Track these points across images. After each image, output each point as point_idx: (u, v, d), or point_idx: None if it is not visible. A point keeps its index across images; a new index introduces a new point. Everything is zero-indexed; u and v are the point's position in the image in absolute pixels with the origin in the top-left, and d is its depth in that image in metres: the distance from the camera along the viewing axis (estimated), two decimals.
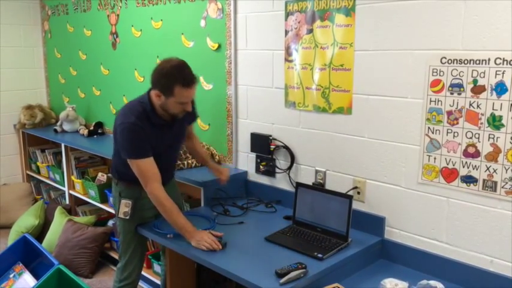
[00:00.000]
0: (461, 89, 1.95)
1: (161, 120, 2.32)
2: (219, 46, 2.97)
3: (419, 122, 2.10)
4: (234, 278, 1.97)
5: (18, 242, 3.26)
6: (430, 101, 2.05)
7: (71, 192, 4.09)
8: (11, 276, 3.09)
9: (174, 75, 2.17)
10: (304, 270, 1.91)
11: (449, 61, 1.97)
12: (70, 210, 4.06)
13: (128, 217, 2.43)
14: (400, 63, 2.13)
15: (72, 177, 4.04)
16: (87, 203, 3.99)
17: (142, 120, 2.25)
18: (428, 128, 2.07)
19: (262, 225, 2.47)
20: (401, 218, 2.23)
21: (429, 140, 2.08)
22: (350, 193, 2.34)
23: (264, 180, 2.87)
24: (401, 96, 2.15)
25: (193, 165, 3.02)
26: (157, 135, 2.30)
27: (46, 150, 4.53)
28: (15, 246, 3.25)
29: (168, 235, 2.31)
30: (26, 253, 3.21)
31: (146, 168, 2.26)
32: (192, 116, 2.56)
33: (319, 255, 2.06)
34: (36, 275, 3.04)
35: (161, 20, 3.39)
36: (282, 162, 2.75)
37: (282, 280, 1.85)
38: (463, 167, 1.99)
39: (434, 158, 2.08)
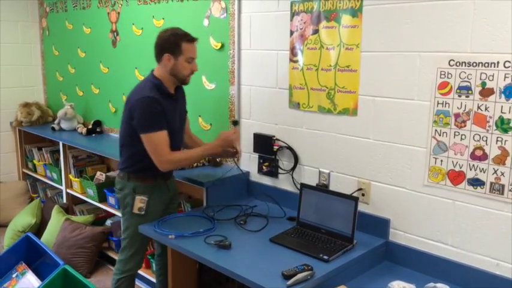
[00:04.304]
0: (470, 92, 1.95)
1: (169, 90, 2.46)
2: (222, 45, 2.95)
3: (426, 124, 2.09)
4: (240, 280, 1.95)
5: (21, 242, 3.23)
6: (438, 103, 2.05)
7: (68, 191, 4.05)
8: (14, 276, 3.05)
9: (179, 34, 2.40)
10: (311, 271, 1.89)
11: (458, 63, 1.96)
12: (67, 209, 4.03)
13: (143, 212, 2.51)
14: (407, 65, 2.12)
15: (70, 176, 4.00)
16: (85, 202, 3.95)
17: (156, 93, 2.39)
18: (435, 130, 2.07)
19: (266, 226, 2.45)
20: (406, 220, 2.22)
21: (436, 143, 2.08)
22: (355, 195, 2.33)
23: (266, 181, 2.85)
24: (408, 98, 2.14)
25: (195, 165, 3.00)
26: (169, 108, 2.43)
27: (43, 149, 4.49)
28: (18, 245, 3.21)
29: (169, 236, 2.29)
30: (29, 252, 3.17)
31: (160, 140, 2.34)
32: (184, 109, 2.72)
33: (325, 257, 2.05)
34: (39, 274, 3.00)
35: (163, 18, 3.37)
36: (285, 163, 2.73)
37: (289, 282, 1.83)
38: (470, 169, 1.99)
39: (441, 161, 2.07)
